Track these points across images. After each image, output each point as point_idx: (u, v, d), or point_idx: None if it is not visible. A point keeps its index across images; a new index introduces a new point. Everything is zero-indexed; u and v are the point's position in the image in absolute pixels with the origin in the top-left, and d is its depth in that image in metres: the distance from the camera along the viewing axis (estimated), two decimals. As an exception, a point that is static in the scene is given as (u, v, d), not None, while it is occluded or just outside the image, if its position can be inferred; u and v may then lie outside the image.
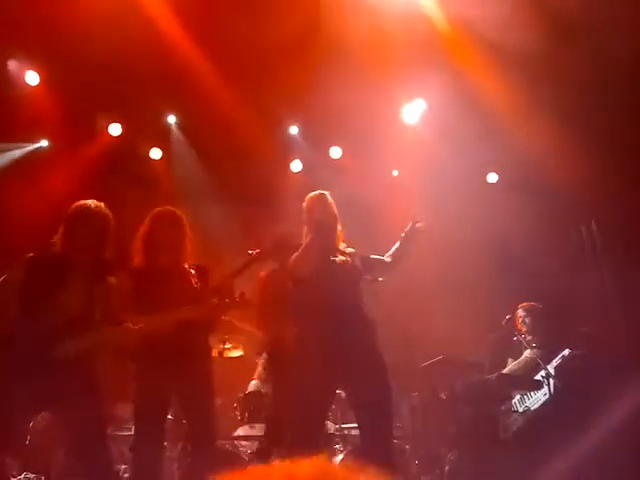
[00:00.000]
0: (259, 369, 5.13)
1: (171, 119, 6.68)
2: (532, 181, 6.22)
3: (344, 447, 4.63)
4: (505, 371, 4.98)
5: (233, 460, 4.30)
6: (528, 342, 4.83)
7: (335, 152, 6.88)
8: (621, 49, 4.86)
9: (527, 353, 4.86)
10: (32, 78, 5.89)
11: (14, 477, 4.11)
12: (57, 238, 3.33)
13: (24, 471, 4.27)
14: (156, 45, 5.40)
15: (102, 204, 3.36)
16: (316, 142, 6.87)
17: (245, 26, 5.32)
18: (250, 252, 3.79)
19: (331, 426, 4.68)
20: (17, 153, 6.31)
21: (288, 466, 1.01)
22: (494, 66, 5.36)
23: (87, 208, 3.30)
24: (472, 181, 6.65)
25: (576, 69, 5.07)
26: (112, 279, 3.41)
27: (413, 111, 6.47)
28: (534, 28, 4.66)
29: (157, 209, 3.67)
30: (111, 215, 3.35)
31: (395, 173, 7.08)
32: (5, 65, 5.77)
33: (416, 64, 5.53)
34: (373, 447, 3.17)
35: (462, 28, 5.25)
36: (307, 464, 1.04)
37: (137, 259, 3.61)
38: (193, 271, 3.64)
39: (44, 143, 6.48)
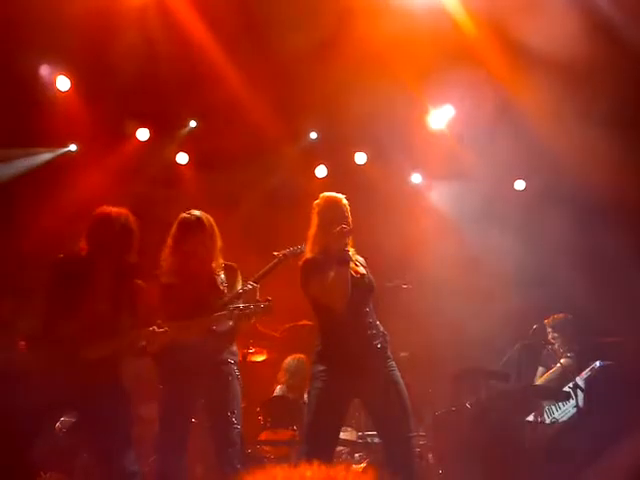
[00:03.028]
0: (281, 374, 5.15)
1: (198, 124, 6.73)
2: (562, 189, 6.12)
3: (366, 455, 4.59)
4: (538, 381, 4.90)
5: (256, 465, 4.28)
6: (558, 353, 4.74)
7: (360, 158, 6.86)
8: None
9: (559, 364, 4.76)
10: (63, 83, 5.99)
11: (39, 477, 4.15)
12: (82, 242, 3.39)
13: (48, 471, 4.31)
14: (184, 51, 5.47)
15: (124, 210, 3.41)
16: (341, 148, 6.85)
17: (271, 31, 5.35)
18: (275, 254, 3.80)
19: (353, 433, 4.65)
20: (46, 156, 6.41)
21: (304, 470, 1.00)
22: (524, 71, 5.29)
23: (108, 214, 3.36)
24: (500, 188, 6.57)
25: (610, 74, 4.98)
26: (138, 281, 3.45)
27: (440, 117, 6.42)
28: (567, 31, 4.58)
29: (183, 214, 3.67)
30: (133, 219, 3.40)
31: (417, 178, 6.99)
32: (37, 70, 5.88)
33: (444, 69, 5.49)
34: (395, 457, 3.15)
35: (491, 32, 5.19)
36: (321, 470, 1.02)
37: (166, 264, 3.62)
38: (222, 271, 3.64)
39: (73, 147, 6.58)
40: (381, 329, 3.32)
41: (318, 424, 3.12)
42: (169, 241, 3.64)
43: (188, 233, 3.57)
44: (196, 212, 3.66)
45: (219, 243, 3.65)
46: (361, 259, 3.44)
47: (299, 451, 3.32)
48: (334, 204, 3.37)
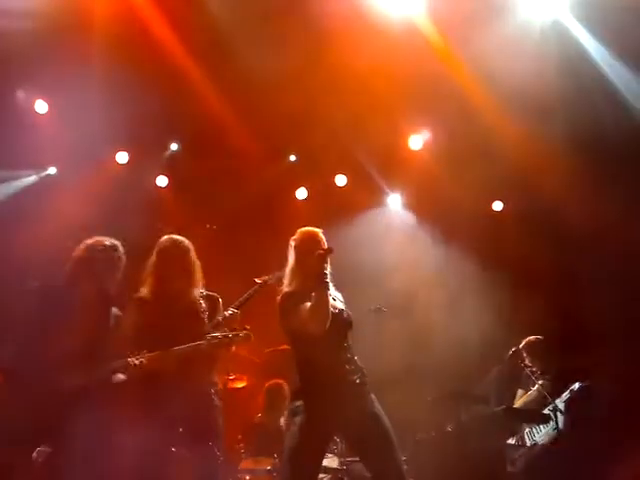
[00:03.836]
0: (261, 401, 5.11)
1: (176, 147, 6.75)
2: (538, 212, 6.22)
3: (349, 481, 4.56)
4: (517, 404, 4.91)
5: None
6: (537, 375, 4.77)
7: (340, 180, 6.93)
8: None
9: (537, 386, 4.78)
10: (41, 107, 5.97)
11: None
12: (68, 271, 3.35)
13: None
14: (162, 73, 5.47)
15: (117, 242, 3.42)
16: (321, 170, 6.90)
17: (252, 55, 5.39)
18: (256, 280, 3.77)
19: (335, 460, 4.61)
20: (26, 181, 6.37)
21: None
22: (499, 98, 5.38)
23: (104, 247, 3.38)
24: (478, 208, 6.64)
25: (584, 104, 5.12)
26: (117, 311, 3.43)
27: (419, 140, 6.51)
28: (541, 61, 4.69)
29: (163, 239, 3.63)
30: (122, 252, 3.41)
31: (395, 200, 7.06)
32: (14, 94, 5.85)
33: (422, 94, 5.58)
34: None
35: (467, 60, 5.29)
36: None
37: (145, 290, 3.58)
38: (202, 300, 3.61)
39: (52, 170, 6.54)
40: (360, 365, 3.32)
41: (299, 460, 3.08)
42: (149, 267, 3.60)
43: (168, 258, 3.54)
44: (176, 237, 3.63)
45: (199, 271, 3.63)
46: (339, 295, 3.45)
47: None
48: (311, 237, 3.39)
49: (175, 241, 3.60)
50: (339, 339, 3.26)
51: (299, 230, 3.45)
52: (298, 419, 3.14)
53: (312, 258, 3.16)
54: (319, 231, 3.43)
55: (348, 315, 3.36)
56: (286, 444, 3.13)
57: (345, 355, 3.26)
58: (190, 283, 3.57)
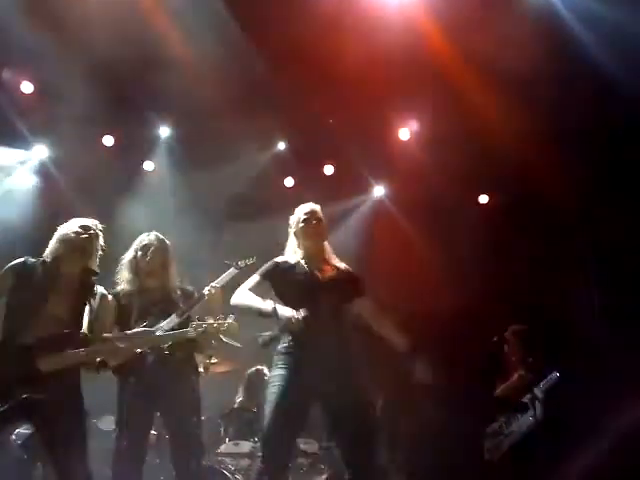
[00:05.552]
0: (242, 385, 5.14)
1: (164, 132, 6.72)
2: (523, 201, 6.26)
3: (328, 467, 4.60)
4: (496, 392, 4.97)
5: (216, 478, 4.26)
6: (515, 364, 4.82)
7: (328, 169, 6.93)
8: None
9: (516, 375, 4.84)
10: (26, 87, 5.92)
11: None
12: (50, 250, 3.35)
13: (3, 484, 4.21)
14: (151, 57, 5.43)
15: (97, 223, 3.43)
16: (309, 158, 6.90)
17: (244, 42, 5.38)
18: (233, 263, 3.79)
19: (315, 445, 4.65)
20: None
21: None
22: (491, 88, 5.40)
23: (86, 227, 3.35)
24: (463, 201, 6.67)
25: (574, 93, 5.14)
26: (103, 290, 3.44)
27: (407, 131, 6.53)
28: (530, 49, 4.70)
29: (141, 237, 3.80)
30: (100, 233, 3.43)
31: (380, 191, 7.08)
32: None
33: (412, 85, 5.59)
34: (356, 467, 3.13)
35: (460, 51, 5.30)
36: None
37: (123, 285, 3.70)
38: (179, 292, 3.73)
39: (42, 152, 6.49)
40: (349, 335, 3.33)
41: (276, 425, 3.09)
42: (125, 263, 3.75)
43: (146, 255, 3.70)
44: (156, 234, 3.82)
45: (175, 266, 3.78)
46: (342, 265, 3.49)
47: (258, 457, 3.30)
48: (307, 210, 3.50)
49: (151, 239, 3.79)
50: (329, 307, 3.27)
51: (297, 208, 3.56)
52: (278, 381, 3.16)
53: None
54: (316, 205, 3.54)
55: (344, 285, 3.38)
56: (265, 409, 3.16)
57: (332, 322, 3.27)
58: (168, 278, 3.75)
